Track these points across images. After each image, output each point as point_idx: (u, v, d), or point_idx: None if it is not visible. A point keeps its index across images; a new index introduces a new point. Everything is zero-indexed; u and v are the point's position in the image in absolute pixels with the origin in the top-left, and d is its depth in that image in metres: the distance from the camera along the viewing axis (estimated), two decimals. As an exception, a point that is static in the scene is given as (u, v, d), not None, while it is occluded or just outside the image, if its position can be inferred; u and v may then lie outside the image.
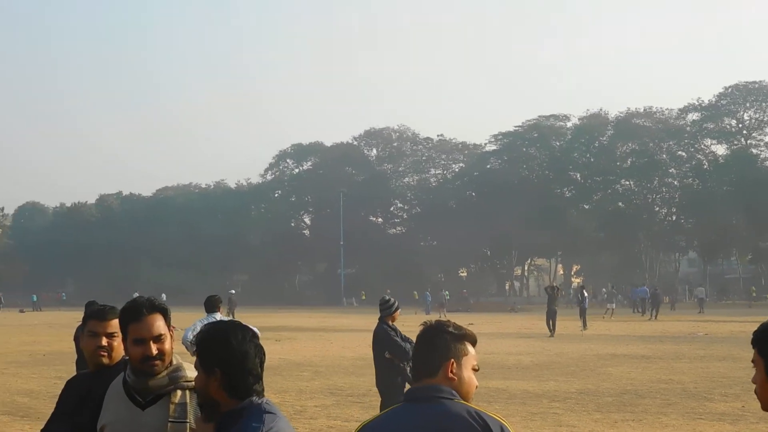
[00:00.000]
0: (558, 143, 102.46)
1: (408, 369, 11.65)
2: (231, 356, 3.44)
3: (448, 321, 3.69)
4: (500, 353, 29.12)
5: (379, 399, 16.31)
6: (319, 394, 18.50)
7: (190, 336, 12.59)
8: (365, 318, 58.08)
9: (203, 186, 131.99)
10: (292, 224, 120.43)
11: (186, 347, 12.68)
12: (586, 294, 44.98)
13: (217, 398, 3.48)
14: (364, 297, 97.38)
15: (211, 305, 13.00)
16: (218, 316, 12.67)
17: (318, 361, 26.65)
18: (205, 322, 12.54)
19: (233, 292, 49.01)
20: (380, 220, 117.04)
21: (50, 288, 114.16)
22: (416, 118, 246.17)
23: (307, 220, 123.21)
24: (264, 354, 3.56)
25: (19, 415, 15.96)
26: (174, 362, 4.06)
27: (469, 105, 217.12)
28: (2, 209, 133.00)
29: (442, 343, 3.48)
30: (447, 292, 78.62)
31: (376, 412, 16.06)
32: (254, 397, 3.47)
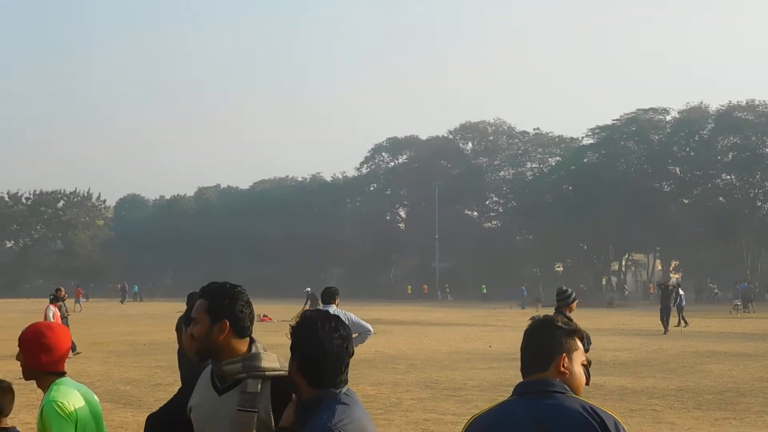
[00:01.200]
0: (657, 137, 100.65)
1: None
2: (311, 345, 3.54)
3: (557, 316, 3.62)
4: (597, 349, 28.73)
5: (473, 393, 16.26)
6: (414, 387, 18.49)
7: None
8: (459, 312, 58.01)
9: (299, 179, 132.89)
10: (387, 218, 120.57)
11: None
12: (681, 292, 44.23)
13: (299, 385, 3.55)
14: (447, 290, 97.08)
15: (329, 296, 12.96)
16: (333, 308, 12.62)
17: (413, 354, 26.64)
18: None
19: (309, 290, 49.10)
20: (475, 213, 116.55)
21: (149, 279, 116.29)
22: (512, 111, 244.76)
23: (402, 214, 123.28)
24: (350, 345, 3.59)
25: (122, 403, 16.25)
26: (253, 350, 4.06)
27: (566, 98, 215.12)
28: (104, 201, 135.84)
29: (553, 338, 3.44)
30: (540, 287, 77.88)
31: (472, 405, 16.03)
32: (332, 388, 3.51)
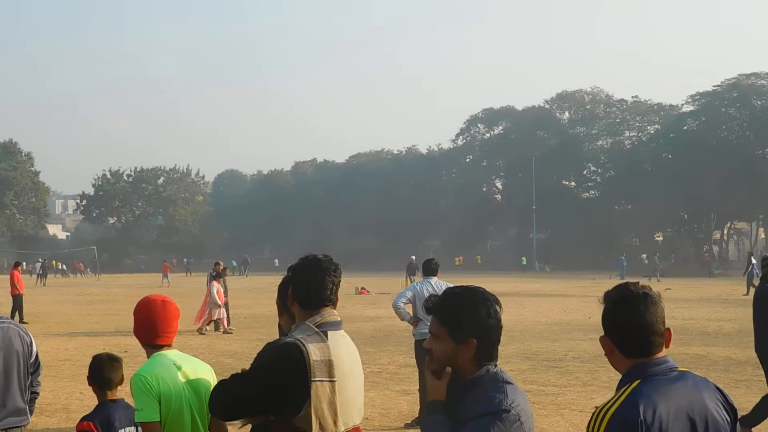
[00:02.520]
0: (760, 102, 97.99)
1: None
2: (485, 325, 3.40)
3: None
4: (700, 319, 28.28)
5: (574, 364, 16.03)
6: (514, 359, 18.35)
7: (401, 302, 12.56)
8: (557, 283, 57.54)
9: (395, 152, 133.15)
10: (484, 189, 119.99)
11: (397, 312, 12.69)
12: (753, 261, 43.68)
13: (464, 368, 3.41)
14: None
15: (430, 269, 12.79)
16: (434, 281, 12.52)
17: (512, 325, 26.43)
18: (422, 287, 12.50)
19: (414, 257, 49.02)
20: (573, 184, 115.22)
21: (248, 253, 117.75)
22: (610, 79, 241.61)
23: (498, 185, 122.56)
24: (500, 320, 3.48)
25: (225, 375, 16.42)
26: (306, 323, 4.03)
27: (664, 65, 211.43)
28: (203, 177, 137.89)
29: (662, 310, 3.25)
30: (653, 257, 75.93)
31: (573, 377, 15.87)
32: (490, 366, 3.39)
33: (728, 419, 3.22)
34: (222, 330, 25.41)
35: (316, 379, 3.91)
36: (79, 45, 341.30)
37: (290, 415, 3.90)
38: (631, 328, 3.18)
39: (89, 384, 5.62)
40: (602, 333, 3.29)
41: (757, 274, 42.33)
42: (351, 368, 4.15)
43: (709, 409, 3.16)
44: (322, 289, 4.15)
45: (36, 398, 6.32)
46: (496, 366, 3.41)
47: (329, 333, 4.07)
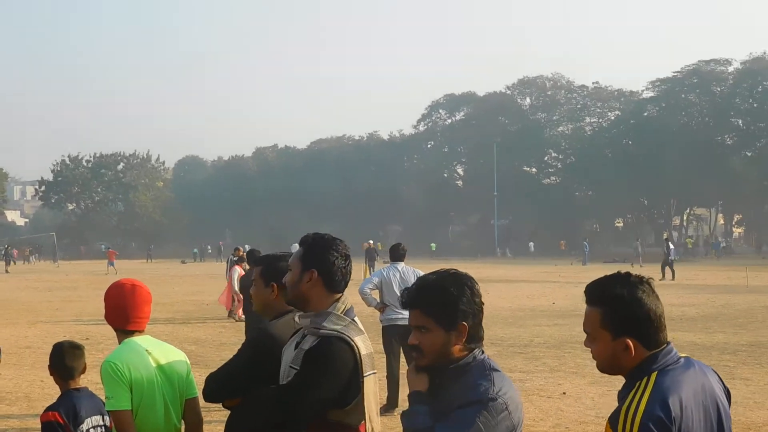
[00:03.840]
0: (719, 89, 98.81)
1: None
2: (474, 306, 3.31)
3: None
4: (664, 304, 28.38)
5: (541, 350, 16.01)
6: (480, 345, 18.27)
7: (368, 287, 12.43)
8: (520, 269, 57.69)
9: (356, 138, 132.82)
10: (445, 175, 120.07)
11: (363, 298, 12.55)
12: (671, 246, 45.07)
13: (454, 354, 3.28)
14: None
15: (398, 254, 12.67)
16: (401, 267, 12.41)
17: (476, 311, 26.43)
18: (389, 272, 12.39)
19: (371, 242, 48.88)
20: (534, 170, 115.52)
21: (209, 239, 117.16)
22: (570, 65, 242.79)
23: (460, 171, 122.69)
24: (480, 301, 3.38)
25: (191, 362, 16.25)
26: (329, 309, 3.85)
27: (624, 51, 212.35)
28: (163, 163, 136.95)
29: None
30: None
31: (540, 363, 15.84)
32: (477, 351, 3.27)
33: (728, 401, 3.19)
34: (236, 318, 24.87)
35: (367, 374, 3.78)
36: (38, 35, 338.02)
37: (334, 409, 3.74)
38: (654, 320, 3.07)
39: (51, 373, 5.45)
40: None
41: (673, 260, 44.17)
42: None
43: (716, 393, 3.11)
44: (346, 271, 4.02)
45: None
46: (482, 352, 3.31)
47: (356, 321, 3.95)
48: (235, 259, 26.14)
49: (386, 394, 12.04)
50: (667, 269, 43.32)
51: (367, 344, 3.83)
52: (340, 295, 3.97)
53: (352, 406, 3.73)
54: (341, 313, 3.87)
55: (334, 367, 3.70)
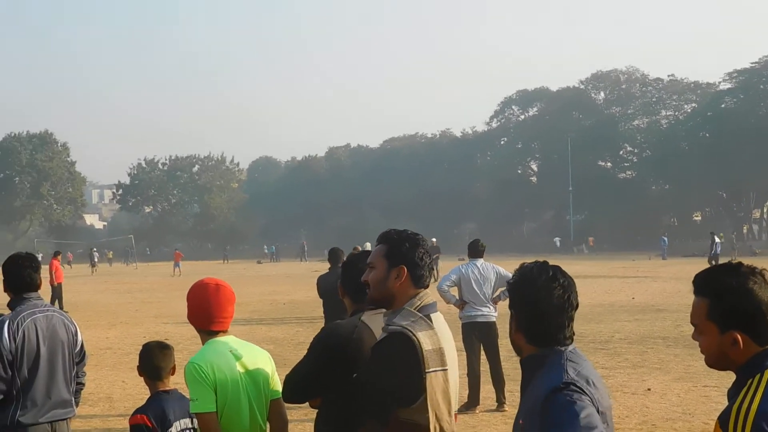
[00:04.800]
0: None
1: None
2: (528, 299, 3.17)
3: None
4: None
5: (622, 346, 15.72)
6: (560, 341, 18.05)
7: (446, 284, 12.31)
8: (597, 264, 57.07)
9: (429, 136, 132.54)
10: (519, 171, 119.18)
11: (442, 295, 12.43)
12: (717, 240, 44.23)
13: (518, 343, 3.19)
14: (592, 243, 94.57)
15: (476, 251, 12.54)
16: (480, 263, 12.27)
17: (555, 307, 26.15)
18: (469, 269, 12.25)
19: (434, 240, 48.20)
20: (609, 164, 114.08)
21: (283, 240, 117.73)
22: (645, 58, 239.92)
23: (533, 167, 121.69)
24: (572, 296, 3.20)
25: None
26: (405, 307, 3.75)
27: (701, 42, 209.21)
28: (237, 164, 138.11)
29: None
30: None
31: (621, 358, 15.59)
32: (557, 346, 3.13)
33: None
34: None
35: (431, 370, 3.66)
36: (114, 34, 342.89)
37: (402, 407, 3.65)
38: (767, 313, 2.85)
39: (139, 374, 5.42)
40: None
41: (719, 254, 43.50)
42: (452, 352, 3.90)
43: None
44: (426, 267, 3.93)
45: (82, 389, 6.13)
46: (565, 347, 3.18)
47: (431, 316, 3.83)
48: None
49: (467, 392, 11.92)
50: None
51: (434, 340, 3.71)
52: (423, 290, 3.89)
53: (419, 404, 3.64)
54: (415, 308, 3.79)
55: (391, 361, 3.63)
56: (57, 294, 30.12)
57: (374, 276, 3.88)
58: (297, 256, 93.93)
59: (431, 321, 3.77)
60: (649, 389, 12.72)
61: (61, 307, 29.31)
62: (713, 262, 43.17)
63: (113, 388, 13.91)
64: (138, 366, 5.39)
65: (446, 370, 3.73)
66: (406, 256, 3.86)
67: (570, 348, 3.17)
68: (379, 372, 3.64)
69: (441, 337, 3.77)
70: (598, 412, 2.98)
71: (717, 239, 44.84)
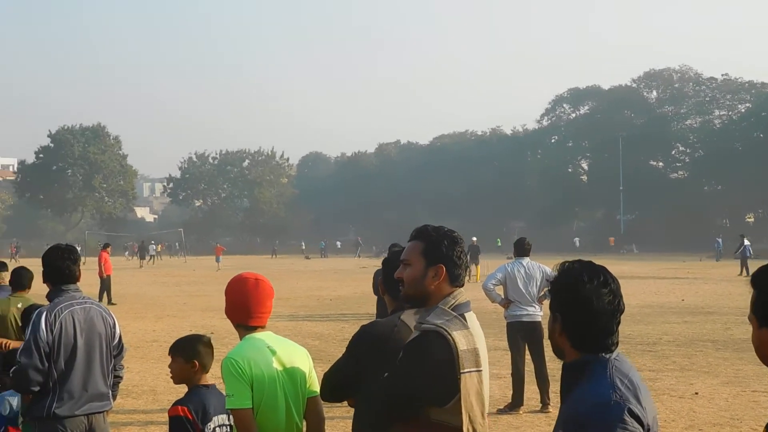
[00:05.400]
0: None
1: None
2: (573, 301, 3.04)
3: None
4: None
5: (670, 348, 15.49)
6: (607, 342, 17.87)
7: (491, 283, 12.22)
8: (646, 265, 56.57)
9: (479, 133, 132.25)
10: (569, 170, 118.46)
11: (487, 294, 12.35)
12: (746, 243, 44.07)
13: (561, 347, 3.09)
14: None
15: (522, 249, 12.38)
16: (525, 262, 12.13)
17: (603, 308, 25.89)
18: (514, 267, 12.12)
19: (474, 239, 46.69)
20: (661, 164, 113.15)
21: (332, 235, 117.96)
22: (698, 57, 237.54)
23: (584, 166, 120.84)
24: (621, 301, 3.09)
25: (311, 357, 16.27)
26: (439, 306, 3.67)
27: (756, 40, 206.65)
28: (287, 159, 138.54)
29: None
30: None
31: (669, 361, 15.39)
32: (602, 352, 3.03)
33: None
34: None
35: (465, 370, 3.57)
36: (168, 33, 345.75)
37: (434, 407, 3.57)
38: None
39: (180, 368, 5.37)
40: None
41: (749, 257, 43.47)
42: (485, 353, 3.81)
43: None
44: (463, 265, 3.85)
45: (119, 382, 6.12)
46: (609, 354, 3.06)
47: (465, 315, 3.74)
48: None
49: (511, 392, 11.82)
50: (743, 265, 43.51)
51: (469, 339, 3.62)
52: (458, 289, 3.80)
53: (452, 405, 3.55)
54: (449, 307, 3.70)
55: (424, 360, 3.55)
56: (106, 286, 30.37)
57: (410, 273, 3.80)
58: (349, 252, 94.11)
59: (466, 320, 3.69)
60: (696, 393, 12.54)
61: (109, 300, 29.65)
62: (744, 265, 43.04)
63: (157, 381, 13.97)
64: (178, 355, 5.32)
65: (480, 371, 3.64)
66: (445, 255, 3.77)
67: (614, 355, 3.06)
68: (412, 371, 3.56)
69: (475, 337, 3.69)
70: (643, 427, 2.90)
71: (746, 242, 44.62)
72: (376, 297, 11.39)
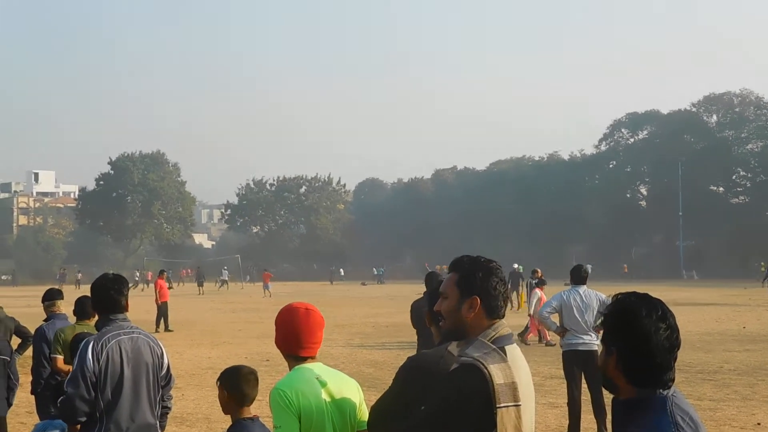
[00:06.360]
0: None
1: None
2: (629, 335, 2.96)
3: None
4: None
5: (731, 377, 15.14)
6: (666, 371, 17.60)
7: (546, 311, 12.11)
8: (707, 291, 55.82)
9: (537, 158, 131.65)
10: (628, 195, 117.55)
11: (543, 322, 12.28)
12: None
13: (616, 381, 3.00)
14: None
15: (579, 277, 12.20)
16: (582, 290, 11.95)
17: (662, 335, 25.53)
18: (569, 295, 11.97)
19: (516, 266, 45.19)
20: (721, 189, 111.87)
21: (389, 261, 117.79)
22: (759, 81, 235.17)
23: (643, 191, 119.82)
24: (677, 337, 3.00)
25: (366, 385, 16.14)
26: (479, 338, 3.59)
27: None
28: (344, 186, 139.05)
29: None
30: None
31: (730, 390, 15.11)
32: (659, 389, 2.94)
33: None
34: (545, 342, 23.94)
35: (502, 405, 3.46)
36: (222, 64, 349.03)
37: None
38: None
39: (228, 399, 5.35)
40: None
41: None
42: (528, 387, 3.70)
43: None
44: (500, 297, 3.77)
45: (167, 413, 6.10)
46: (667, 391, 2.99)
47: (506, 348, 3.66)
48: (535, 281, 25.65)
49: (567, 422, 11.66)
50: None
51: (507, 373, 3.49)
52: (497, 321, 3.71)
53: None
54: (489, 339, 3.60)
55: (460, 394, 3.44)
56: (162, 312, 30.56)
57: (446, 306, 3.74)
58: (408, 278, 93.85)
59: (505, 353, 3.60)
60: (758, 424, 12.28)
61: (166, 326, 29.84)
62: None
63: (212, 408, 13.96)
64: (222, 386, 5.33)
65: (519, 405, 3.54)
66: (480, 286, 3.69)
67: (672, 391, 2.98)
68: (447, 405, 3.48)
69: (516, 370, 3.59)
70: None
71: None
72: (415, 329, 11.16)
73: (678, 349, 3.00)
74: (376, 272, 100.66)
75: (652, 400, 2.93)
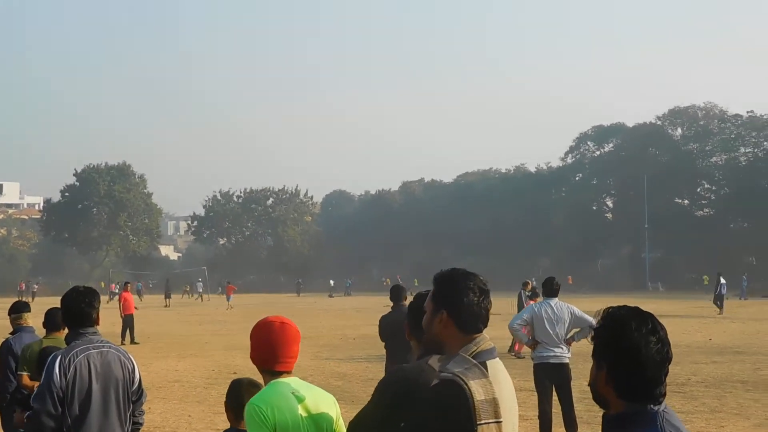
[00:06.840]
0: None
1: None
2: (619, 349, 2.91)
3: None
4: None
5: (699, 389, 15.19)
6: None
7: (517, 323, 12.05)
8: (672, 303, 56.14)
9: (503, 171, 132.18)
10: (594, 207, 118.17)
11: (514, 334, 12.24)
12: (723, 281, 44.10)
13: (606, 396, 2.95)
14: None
15: (551, 289, 12.14)
16: (554, 303, 11.91)
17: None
18: (542, 308, 11.93)
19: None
20: (686, 202, 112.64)
21: (356, 273, 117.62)
22: (723, 94, 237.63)
23: (609, 203, 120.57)
24: (669, 350, 2.96)
25: (335, 398, 16.11)
26: (461, 351, 3.52)
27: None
28: (311, 197, 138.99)
29: None
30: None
31: (699, 402, 15.15)
32: (650, 404, 2.90)
33: None
34: (514, 353, 23.96)
35: (482, 422, 3.38)
36: (191, 74, 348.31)
37: None
38: None
39: (227, 410, 5.26)
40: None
41: (724, 295, 43.88)
42: (511, 402, 3.63)
43: None
44: (482, 310, 3.69)
45: (139, 429, 5.99)
46: (658, 406, 2.95)
47: (488, 363, 3.59)
48: (528, 294, 25.49)
49: (538, 434, 11.64)
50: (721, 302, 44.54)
51: (487, 389, 3.40)
52: (478, 335, 3.64)
53: None
54: (471, 354, 3.53)
55: (439, 410, 3.36)
56: (128, 325, 30.33)
57: (424, 320, 3.69)
58: (375, 290, 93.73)
59: (487, 368, 3.53)
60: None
61: (132, 339, 29.61)
62: (718, 303, 43.18)
63: (179, 422, 13.85)
64: (226, 402, 5.25)
65: (500, 422, 3.47)
66: (448, 299, 3.62)
67: (663, 407, 2.94)
68: (428, 421, 3.41)
69: (498, 386, 3.52)
70: None
71: (722, 280, 44.88)
72: (383, 342, 11.07)
73: (669, 363, 2.95)
74: (332, 284, 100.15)
75: (642, 415, 2.89)
